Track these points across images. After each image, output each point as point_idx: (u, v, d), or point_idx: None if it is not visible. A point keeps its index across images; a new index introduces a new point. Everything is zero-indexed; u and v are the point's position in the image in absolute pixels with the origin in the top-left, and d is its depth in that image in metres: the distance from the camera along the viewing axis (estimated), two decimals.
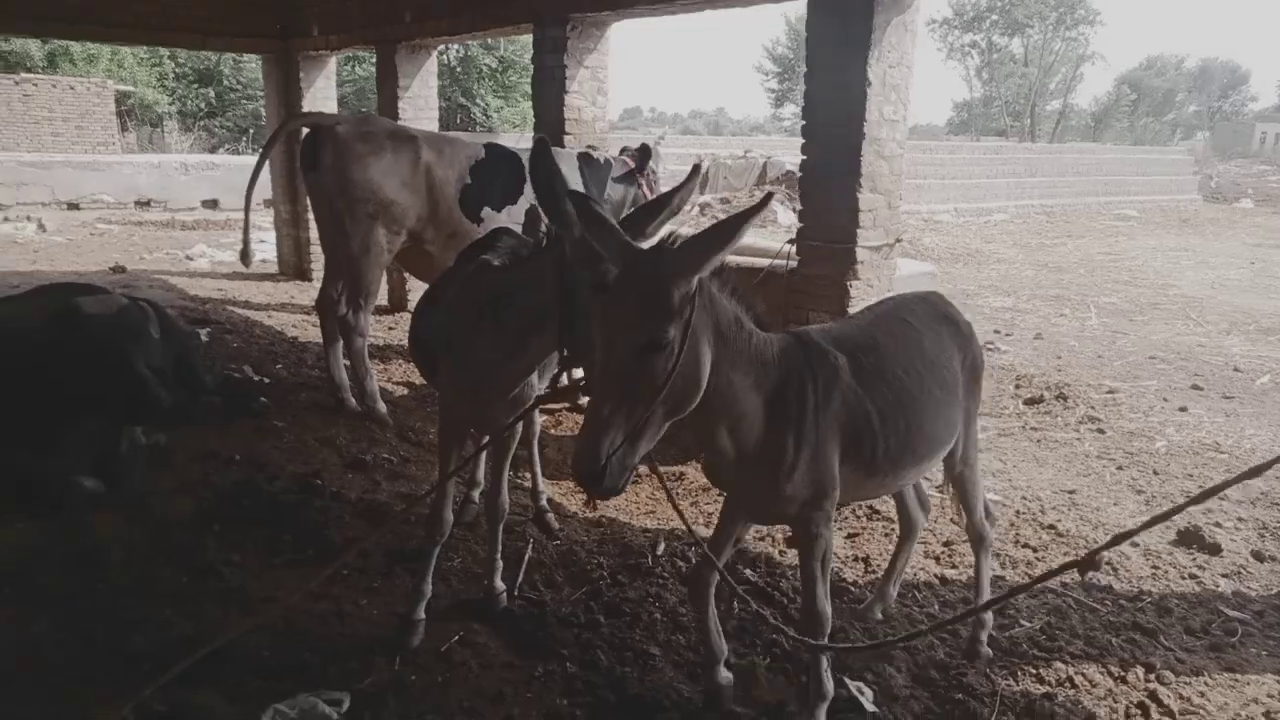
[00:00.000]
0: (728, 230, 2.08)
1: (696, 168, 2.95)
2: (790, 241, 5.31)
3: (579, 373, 2.72)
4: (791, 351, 2.46)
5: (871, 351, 2.67)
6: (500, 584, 3.41)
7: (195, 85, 28.53)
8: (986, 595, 3.34)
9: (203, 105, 28.58)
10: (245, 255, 6.01)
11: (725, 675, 2.87)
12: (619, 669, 3.03)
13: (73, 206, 15.50)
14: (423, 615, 3.15)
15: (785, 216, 16.77)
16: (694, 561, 3.67)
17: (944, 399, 2.85)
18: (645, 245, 2.43)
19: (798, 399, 2.42)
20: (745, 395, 2.33)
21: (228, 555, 3.59)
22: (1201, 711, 3.09)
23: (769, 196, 2.16)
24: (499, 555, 3.41)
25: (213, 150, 25.87)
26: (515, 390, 2.96)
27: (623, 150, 6.61)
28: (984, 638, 3.30)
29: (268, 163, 6.16)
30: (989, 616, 3.36)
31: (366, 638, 3.11)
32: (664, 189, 7.36)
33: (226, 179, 16.49)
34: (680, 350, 2.07)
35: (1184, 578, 4.10)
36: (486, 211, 5.74)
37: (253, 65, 24.91)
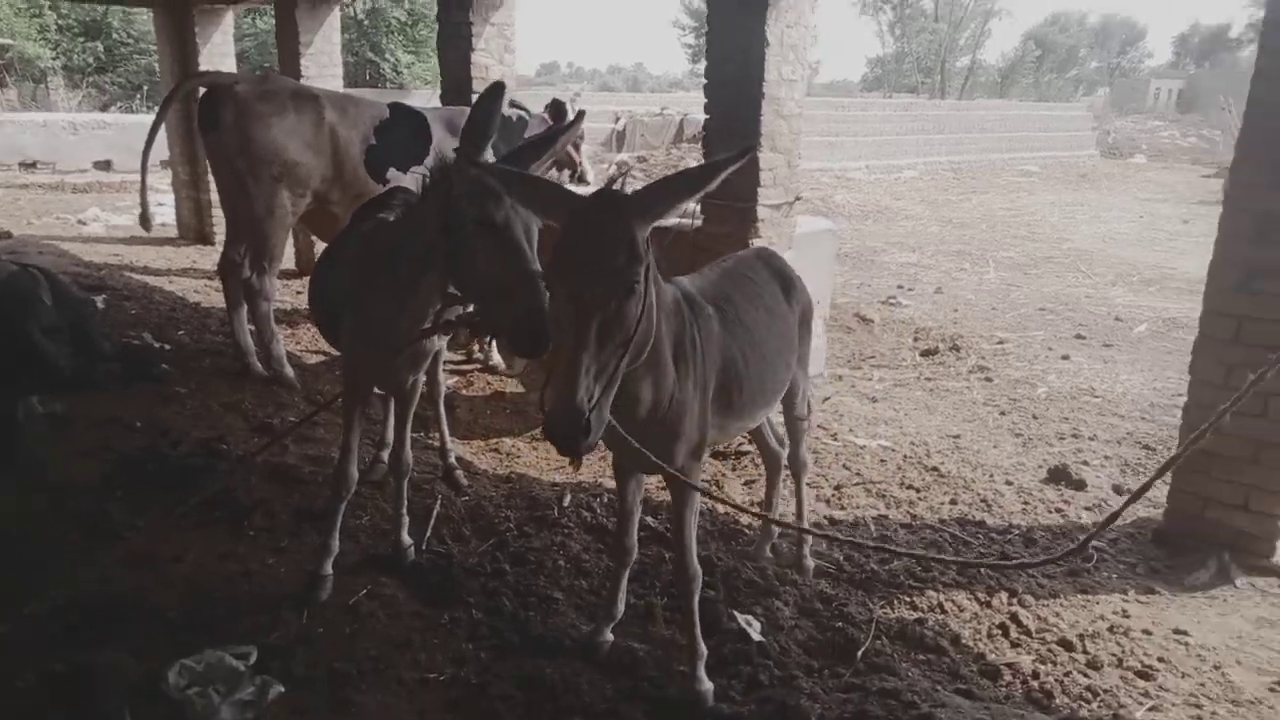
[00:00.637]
0: (695, 178, 2.08)
1: (581, 113, 3.13)
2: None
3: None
4: (679, 302, 2.58)
5: (728, 303, 2.83)
6: (407, 538, 3.51)
7: (81, 39, 26.84)
8: (807, 513, 3.79)
9: (91, 60, 26.95)
10: (145, 219, 5.84)
11: (608, 638, 3.03)
12: (523, 613, 3.18)
13: None
14: (330, 570, 3.23)
15: None
16: (614, 523, 3.74)
17: (783, 346, 3.10)
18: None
19: (691, 346, 2.55)
20: (664, 343, 2.40)
21: (132, 520, 3.59)
22: (1055, 629, 3.42)
23: (750, 149, 2.10)
24: (404, 510, 3.50)
25: (104, 108, 24.50)
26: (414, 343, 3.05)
27: (547, 106, 6.65)
28: (807, 552, 3.72)
29: (164, 123, 5.98)
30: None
31: (274, 595, 3.18)
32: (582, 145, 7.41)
33: (120, 139, 15.75)
34: (647, 293, 2.08)
35: (1050, 511, 4.46)
36: (392, 173, 5.70)
37: (144, 17, 23.60)
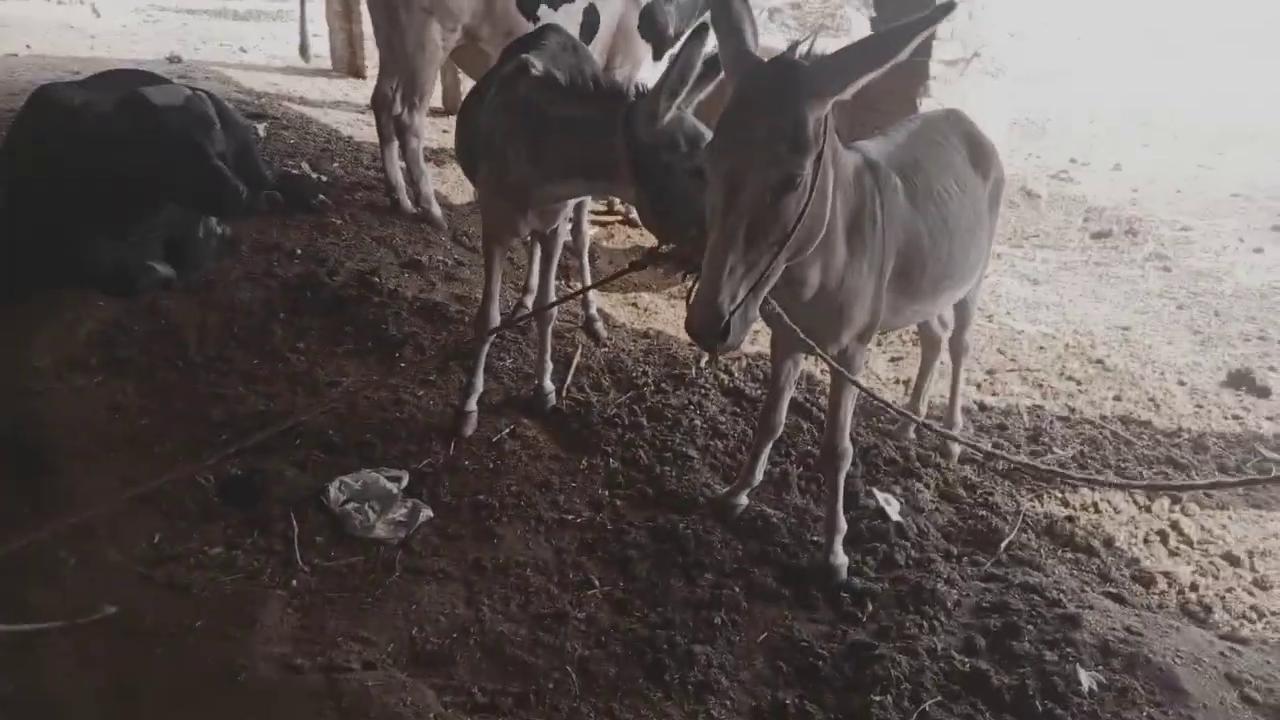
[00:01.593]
0: (887, 45, 1.77)
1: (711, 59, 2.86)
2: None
3: None
4: (861, 172, 2.34)
5: (918, 171, 2.55)
6: (549, 384, 3.57)
7: None
8: (961, 395, 3.58)
9: None
10: (304, 49, 5.91)
11: (743, 501, 3.02)
12: (658, 467, 3.20)
13: None
14: (474, 408, 3.32)
15: (860, 24, 15.71)
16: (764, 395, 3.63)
17: (976, 222, 2.78)
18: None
19: (870, 223, 2.32)
20: (837, 223, 2.19)
21: (294, 342, 3.78)
22: (1220, 541, 3.20)
23: (949, 6, 1.76)
24: (548, 357, 3.54)
25: None
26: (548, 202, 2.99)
27: None
28: (957, 433, 3.49)
29: None
30: (960, 419, 3.60)
31: (423, 425, 3.31)
32: None
33: None
34: (813, 187, 1.85)
35: (1227, 418, 4.10)
36: (543, 10, 5.49)
37: None
